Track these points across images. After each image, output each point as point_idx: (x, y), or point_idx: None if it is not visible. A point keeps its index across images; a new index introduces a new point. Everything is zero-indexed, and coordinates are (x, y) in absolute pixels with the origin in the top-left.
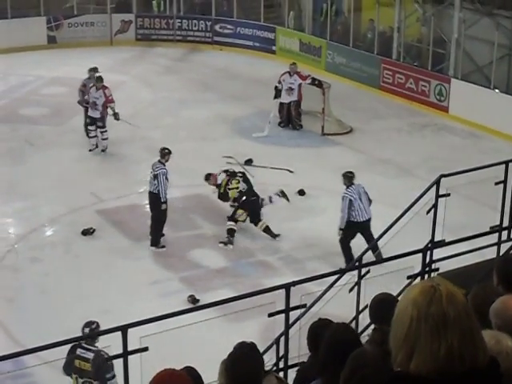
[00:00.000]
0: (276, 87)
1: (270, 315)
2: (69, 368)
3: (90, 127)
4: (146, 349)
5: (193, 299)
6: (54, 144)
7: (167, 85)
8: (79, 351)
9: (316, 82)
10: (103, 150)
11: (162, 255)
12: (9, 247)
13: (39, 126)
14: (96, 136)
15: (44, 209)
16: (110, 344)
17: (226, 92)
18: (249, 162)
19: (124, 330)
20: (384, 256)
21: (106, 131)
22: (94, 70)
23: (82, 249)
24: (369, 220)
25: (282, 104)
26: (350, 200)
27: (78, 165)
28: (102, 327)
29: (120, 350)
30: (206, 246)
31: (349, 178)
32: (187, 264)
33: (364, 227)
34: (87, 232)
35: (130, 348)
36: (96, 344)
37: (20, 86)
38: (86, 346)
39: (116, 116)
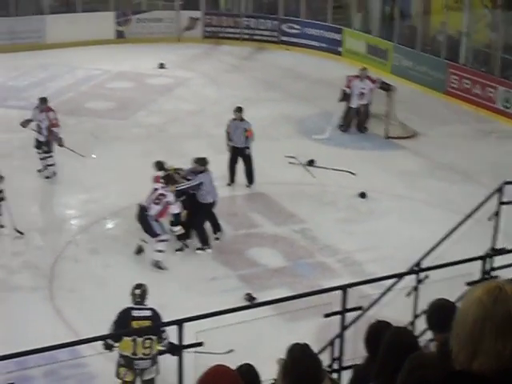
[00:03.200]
0: (344, 91)
1: (326, 316)
2: (120, 336)
3: (37, 150)
4: (200, 344)
5: (249, 297)
6: (118, 138)
7: (232, 83)
8: (135, 313)
9: (386, 86)
10: (48, 177)
11: (221, 252)
12: (70, 238)
13: (104, 120)
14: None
15: (106, 201)
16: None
17: (291, 92)
18: (311, 162)
19: (180, 324)
20: (443, 262)
21: (50, 157)
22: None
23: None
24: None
25: (350, 108)
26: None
27: (141, 159)
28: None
29: None
30: (264, 244)
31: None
32: (245, 262)
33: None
34: None
35: (185, 342)
36: (145, 303)
37: (87, 79)
38: (138, 306)
39: (60, 142)
